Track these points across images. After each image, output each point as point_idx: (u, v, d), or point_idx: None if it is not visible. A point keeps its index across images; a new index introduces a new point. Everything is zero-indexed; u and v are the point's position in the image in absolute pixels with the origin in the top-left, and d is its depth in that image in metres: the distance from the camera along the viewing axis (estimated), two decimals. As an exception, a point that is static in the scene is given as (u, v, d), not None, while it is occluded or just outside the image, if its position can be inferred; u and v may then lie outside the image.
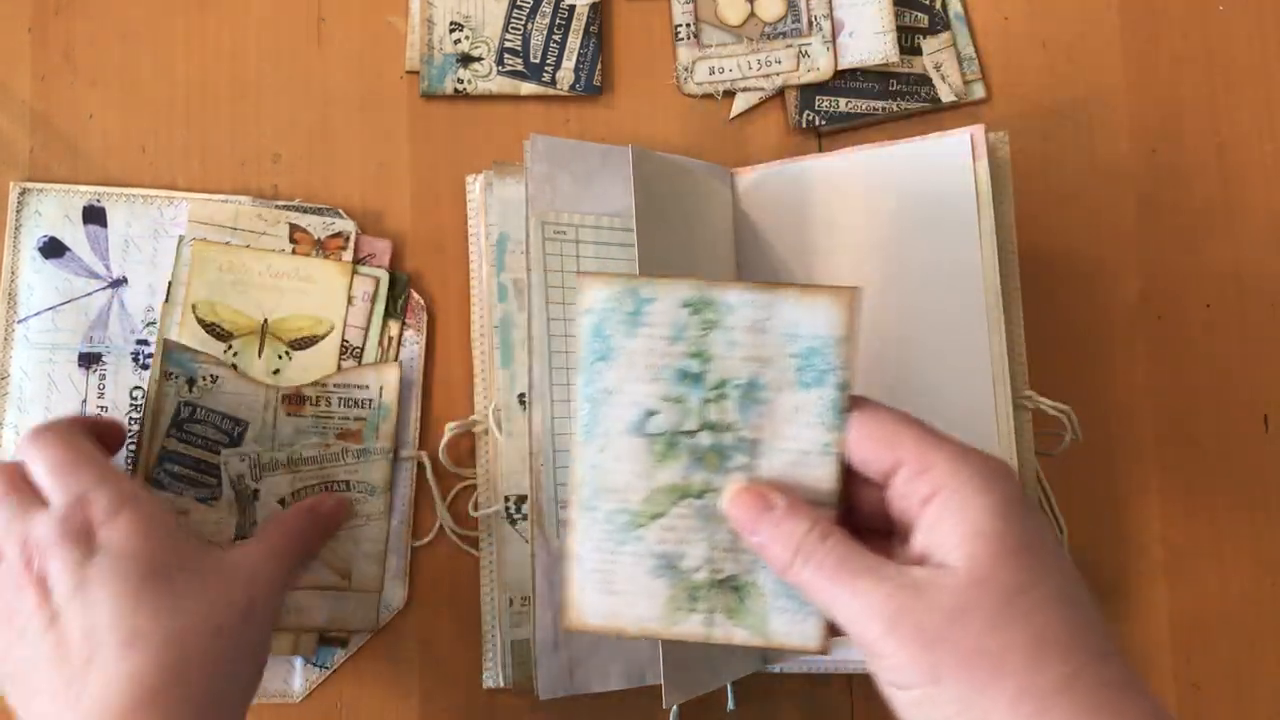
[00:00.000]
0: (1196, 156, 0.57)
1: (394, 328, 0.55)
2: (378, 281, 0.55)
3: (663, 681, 0.45)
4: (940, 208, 0.52)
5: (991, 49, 0.58)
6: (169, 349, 0.50)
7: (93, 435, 0.45)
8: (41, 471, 0.42)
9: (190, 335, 0.53)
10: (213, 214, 0.54)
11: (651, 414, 0.39)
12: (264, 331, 0.54)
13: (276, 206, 0.55)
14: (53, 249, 0.55)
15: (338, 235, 0.55)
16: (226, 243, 0.54)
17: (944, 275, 0.52)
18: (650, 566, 0.40)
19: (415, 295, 0.55)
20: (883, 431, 0.37)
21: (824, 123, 0.57)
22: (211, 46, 0.57)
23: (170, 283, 0.54)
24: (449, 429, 0.53)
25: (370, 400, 0.52)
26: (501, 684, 0.52)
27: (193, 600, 0.41)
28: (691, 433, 0.39)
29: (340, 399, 0.52)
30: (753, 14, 0.57)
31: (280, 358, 0.54)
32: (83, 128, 0.56)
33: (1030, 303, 0.55)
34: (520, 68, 0.57)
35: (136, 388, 0.54)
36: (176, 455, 0.50)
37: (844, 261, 0.54)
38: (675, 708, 0.53)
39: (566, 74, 0.57)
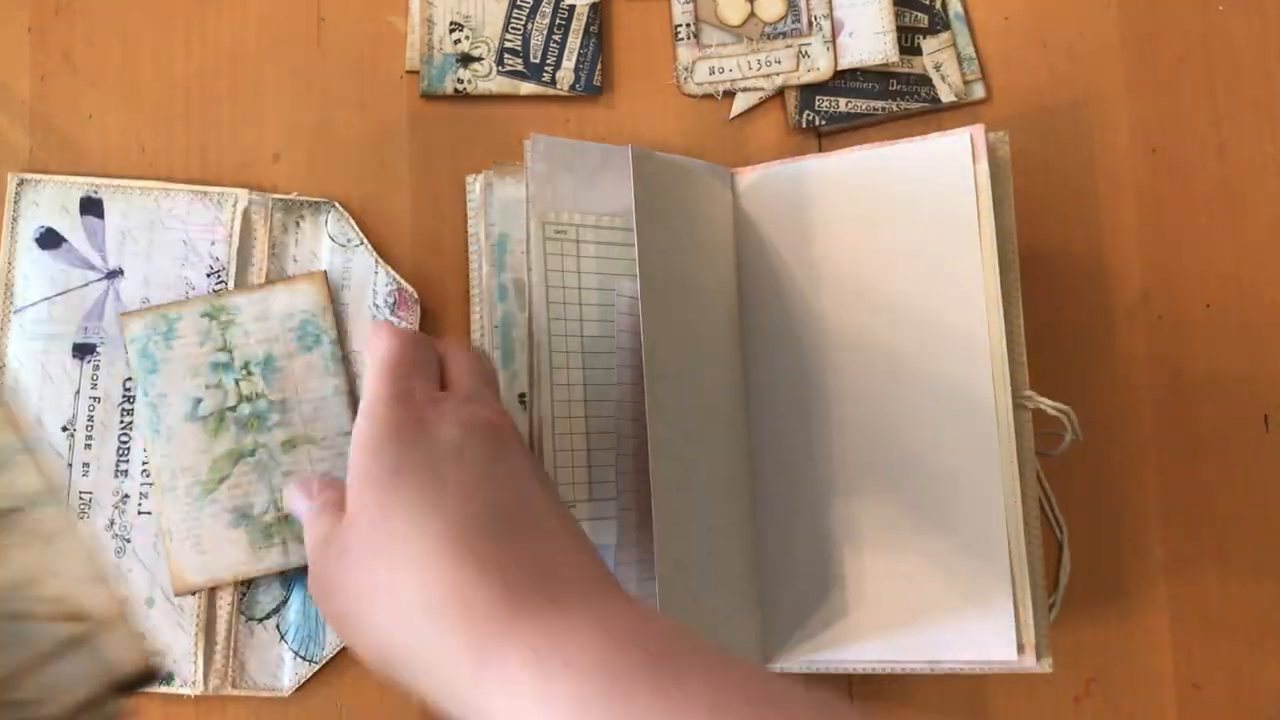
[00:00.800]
0: (1196, 156, 0.57)
1: None
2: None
3: None
4: (940, 208, 0.52)
5: (991, 49, 0.58)
6: None
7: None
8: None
9: None
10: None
11: (199, 401, 0.52)
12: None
13: (275, 199, 0.55)
14: (49, 240, 0.55)
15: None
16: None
17: (943, 275, 0.52)
18: (228, 520, 0.51)
19: (407, 286, 0.55)
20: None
21: (824, 123, 0.57)
22: (211, 46, 0.57)
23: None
24: (449, 429, 0.53)
25: None
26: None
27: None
28: (233, 407, 0.52)
29: None
30: (753, 14, 0.57)
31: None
32: (82, 127, 0.56)
33: (1030, 303, 0.55)
34: (520, 68, 0.57)
35: (128, 379, 0.54)
36: None
37: (844, 261, 0.54)
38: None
39: (566, 74, 0.57)
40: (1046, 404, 0.52)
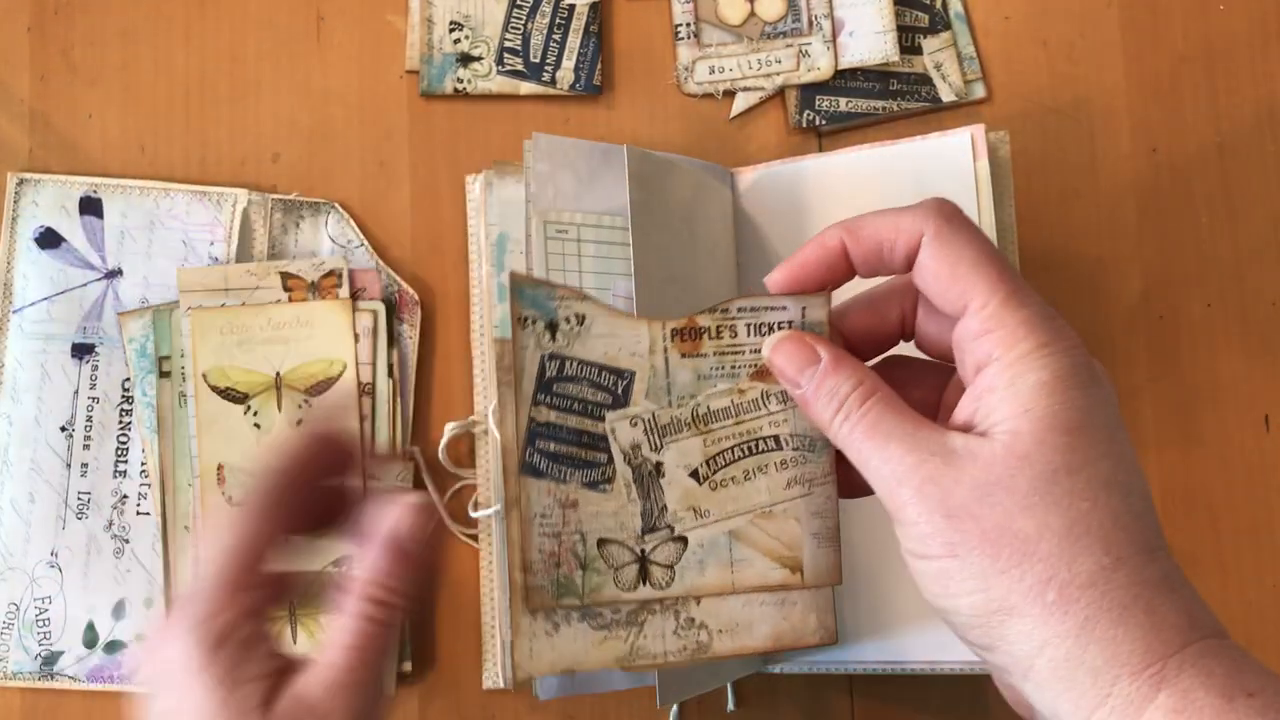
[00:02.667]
0: (1196, 156, 0.57)
1: (396, 356, 0.55)
2: (375, 314, 0.54)
3: (656, 682, 0.45)
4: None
5: (992, 49, 0.58)
6: (518, 284, 0.37)
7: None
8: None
9: (206, 403, 0.53)
10: (202, 279, 0.54)
11: None
12: (279, 385, 0.53)
13: (275, 199, 0.55)
14: (49, 239, 0.55)
15: (330, 274, 0.54)
16: (221, 305, 0.53)
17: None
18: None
19: (407, 288, 0.55)
20: (954, 270, 0.33)
21: (824, 122, 0.57)
22: (211, 46, 0.57)
23: (169, 356, 0.53)
24: (449, 429, 0.53)
25: (789, 324, 0.37)
26: (501, 684, 0.52)
27: None
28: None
29: (749, 325, 0.37)
30: (753, 13, 0.57)
31: (300, 407, 0.53)
32: (82, 127, 0.56)
33: (1031, 302, 0.55)
34: (520, 67, 0.57)
35: (127, 379, 0.54)
36: (550, 428, 0.37)
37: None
38: (675, 708, 0.53)
39: (566, 73, 0.57)
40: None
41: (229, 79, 0.57)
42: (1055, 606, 0.30)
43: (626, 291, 0.49)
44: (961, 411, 0.33)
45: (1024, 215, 0.56)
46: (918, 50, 0.57)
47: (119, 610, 0.53)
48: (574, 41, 0.57)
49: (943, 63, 0.57)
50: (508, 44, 0.57)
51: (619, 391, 0.37)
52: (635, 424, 0.37)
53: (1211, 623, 0.31)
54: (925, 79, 0.57)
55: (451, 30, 0.57)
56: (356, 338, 0.54)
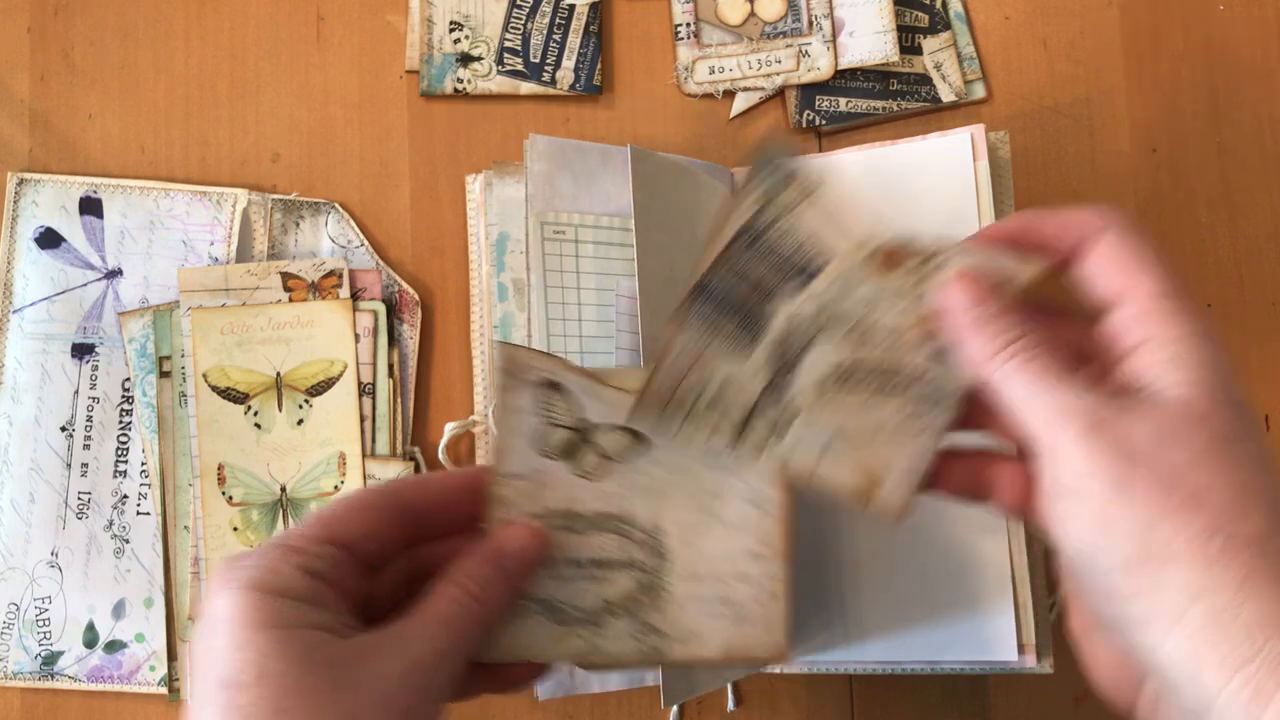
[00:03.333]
0: (1196, 156, 0.57)
1: (396, 356, 0.55)
2: (375, 315, 0.54)
3: (661, 683, 0.45)
4: (941, 207, 0.52)
5: (992, 49, 0.58)
6: (770, 154, 0.37)
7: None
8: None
9: (206, 403, 0.53)
10: (203, 279, 0.54)
11: None
12: (279, 385, 0.53)
13: (275, 199, 0.55)
14: (49, 239, 0.55)
15: (331, 274, 0.54)
16: (222, 305, 0.54)
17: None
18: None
19: (408, 288, 0.55)
20: (1134, 256, 0.35)
21: (824, 122, 0.57)
22: (211, 46, 0.57)
23: (170, 355, 0.54)
24: (449, 429, 0.53)
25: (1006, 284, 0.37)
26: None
27: None
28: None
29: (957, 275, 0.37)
30: (753, 13, 0.57)
31: (300, 407, 0.53)
32: (82, 127, 0.56)
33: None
34: (520, 67, 0.57)
35: (127, 379, 0.54)
36: (720, 290, 0.37)
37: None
38: (675, 708, 0.53)
39: (566, 74, 0.57)
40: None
41: (229, 79, 0.57)
42: (1219, 558, 0.30)
43: (630, 291, 0.49)
44: (1124, 374, 0.34)
45: (1024, 215, 0.56)
46: (918, 50, 0.57)
47: (119, 610, 0.53)
48: (574, 41, 0.57)
49: (942, 63, 0.57)
50: (508, 44, 0.57)
51: (805, 274, 0.38)
52: (803, 306, 0.38)
53: None
54: (925, 79, 0.57)
55: (451, 30, 0.57)
56: (357, 338, 0.54)
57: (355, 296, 0.54)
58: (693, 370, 0.38)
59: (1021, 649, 0.50)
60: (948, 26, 0.57)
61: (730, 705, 0.54)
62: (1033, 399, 0.34)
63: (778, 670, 0.53)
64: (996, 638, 0.50)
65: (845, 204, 0.38)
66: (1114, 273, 0.35)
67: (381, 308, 0.54)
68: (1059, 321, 0.37)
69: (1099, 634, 0.35)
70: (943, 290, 0.36)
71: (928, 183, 0.53)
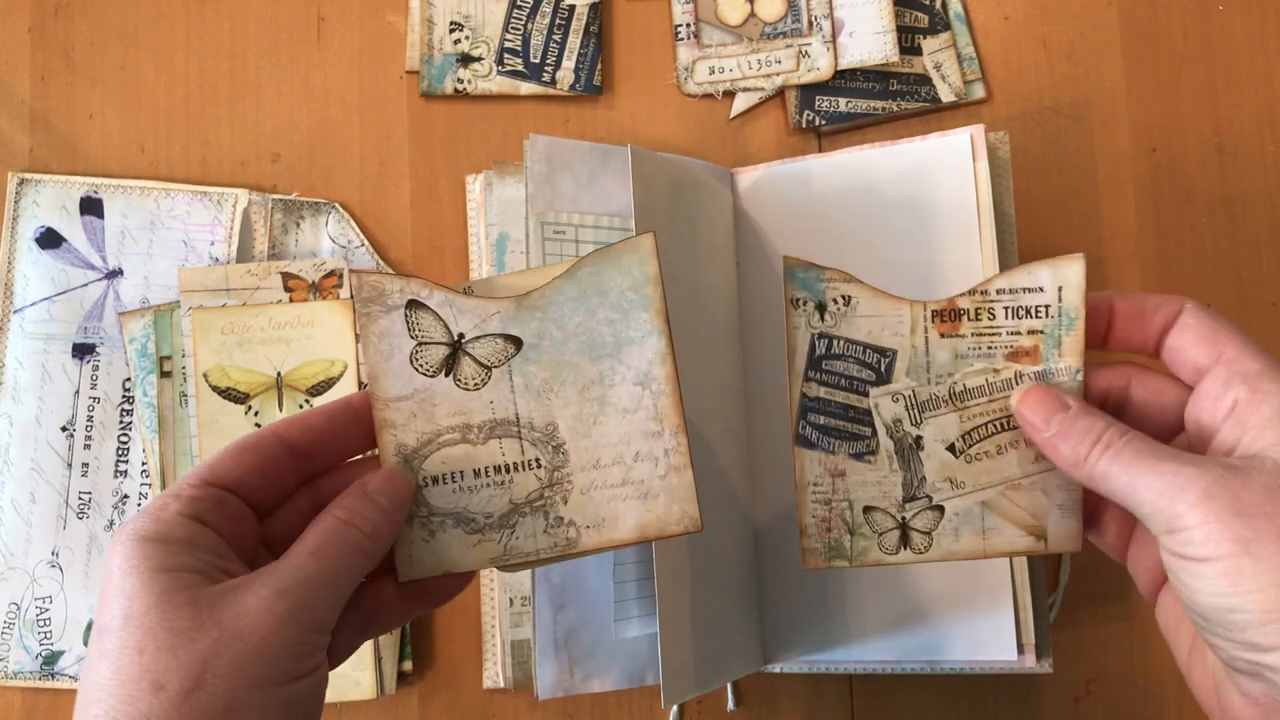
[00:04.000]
0: (1196, 156, 0.57)
1: None
2: None
3: (661, 681, 0.45)
4: (941, 208, 0.52)
5: (991, 49, 0.58)
6: (790, 267, 0.40)
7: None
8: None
9: (207, 403, 0.53)
10: (203, 279, 0.54)
11: None
12: (280, 385, 0.53)
13: (275, 199, 0.55)
14: (49, 240, 0.55)
15: (331, 274, 0.54)
16: (223, 305, 0.54)
17: (946, 272, 0.52)
18: None
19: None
20: (1213, 334, 0.37)
21: (824, 122, 0.57)
22: (211, 46, 0.57)
23: (170, 355, 0.54)
24: (449, 429, 0.53)
25: (1047, 306, 0.39)
26: (501, 684, 0.52)
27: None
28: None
29: (1007, 309, 0.39)
30: (753, 14, 0.57)
31: (301, 407, 0.53)
32: (82, 127, 0.56)
33: (1030, 303, 0.55)
34: (520, 68, 0.57)
35: (128, 379, 0.54)
36: (820, 403, 0.40)
37: (844, 261, 0.53)
38: (675, 708, 0.53)
39: (566, 74, 0.57)
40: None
41: (229, 80, 0.57)
42: None
43: None
44: (1218, 443, 0.36)
45: (1024, 215, 0.56)
46: (917, 50, 0.57)
47: (119, 610, 0.53)
48: (574, 42, 0.57)
49: (942, 63, 0.57)
50: (508, 44, 0.57)
51: (882, 369, 0.40)
52: (897, 400, 0.40)
53: None
54: (925, 79, 0.57)
55: (451, 31, 0.57)
56: (357, 338, 0.54)
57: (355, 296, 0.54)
58: (834, 496, 0.41)
59: (1021, 649, 0.50)
60: (947, 27, 0.58)
61: (730, 705, 0.54)
62: (1137, 480, 0.35)
63: (778, 670, 0.53)
64: (996, 638, 0.50)
65: (881, 291, 0.40)
66: (1197, 345, 0.37)
67: None
68: (1132, 404, 0.39)
69: (1228, 682, 0.36)
70: (1017, 413, 0.39)
71: (928, 184, 0.53)
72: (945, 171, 0.52)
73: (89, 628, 0.53)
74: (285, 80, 0.57)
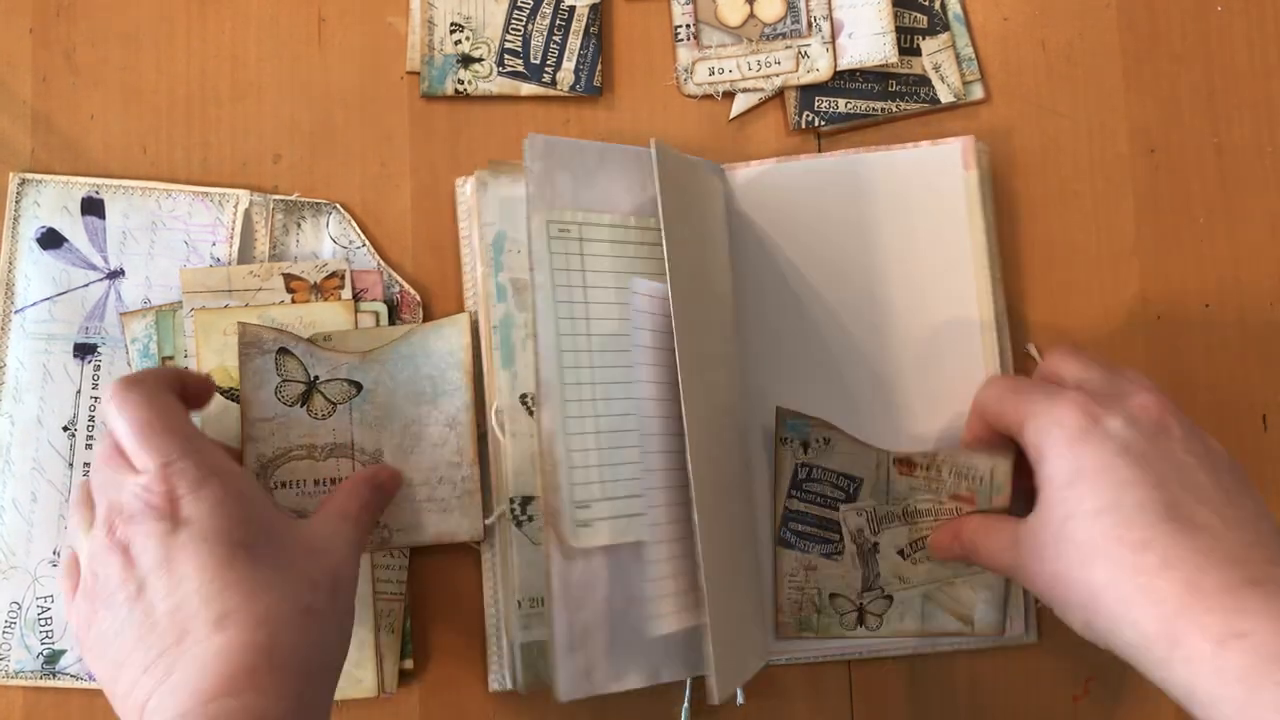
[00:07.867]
0: (1196, 156, 0.58)
1: None
2: (378, 315, 0.54)
3: (714, 676, 0.45)
4: (932, 217, 0.53)
5: (991, 49, 0.58)
6: (783, 417, 0.51)
7: (178, 390, 0.45)
8: (125, 433, 0.42)
9: (211, 403, 0.52)
10: (205, 280, 0.54)
11: None
12: None
13: (276, 200, 0.55)
14: (50, 240, 0.55)
15: (333, 275, 0.54)
16: (225, 305, 0.54)
17: (936, 277, 0.53)
18: None
19: (409, 289, 0.55)
20: (997, 404, 0.46)
21: (823, 123, 0.57)
22: (212, 47, 0.57)
23: (173, 356, 0.54)
24: (450, 429, 0.53)
25: (981, 478, 0.49)
26: (509, 686, 0.52)
27: (280, 576, 0.41)
28: None
29: (950, 470, 0.50)
30: (752, 15, 0.58)
31: None
32: (84, 128, 0.56)
33: (1030, 303, 0.56)
34: (520, 68, 0.57)
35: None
36: (799, 514, 0.52)
37: (837, 262, 0.54)
38: (685, 704, 0.52)
39: (566, 75, 0.57)
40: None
41: (230, 80, 0.57)
42: (1087, 623, 0.43)
43: (650, 290, 0.49)
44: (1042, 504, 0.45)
45: (1024, 215, 0.56)
46: (916, 51, 0.57)
47: (121, 610, 0.53)
48: (574, 43, 0.57)
49: (941, 64, 0.57)
50: (508, 45, 0.57)
51: (850, 490, 0.51)
52: (860, 514, 0.51)
53: None
54: (924, 80, 0.57)
55: (452, 31, 0.57)
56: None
57: (357, 297, 0.54)
58: (806, 584, 0.52)
59: (1009, 621, 0.53)
60: (946, 28, 0.58)
61: (739, 700, 0.54)
62: (979, 551, 0.48)
63: (783, 661, 0.53)
64: (987, 607, 0.52)
65: (855, 438, 0.51)
66: (996, 417, 0.46)
67: (383, 308, 0.54)
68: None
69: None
70: (930, 545, 0.51)
71: (919, 192, 0.53)
72: (937, 180, 0.54)
73: (90, 628, 0.53)
74: (286, 81, 0.57)
